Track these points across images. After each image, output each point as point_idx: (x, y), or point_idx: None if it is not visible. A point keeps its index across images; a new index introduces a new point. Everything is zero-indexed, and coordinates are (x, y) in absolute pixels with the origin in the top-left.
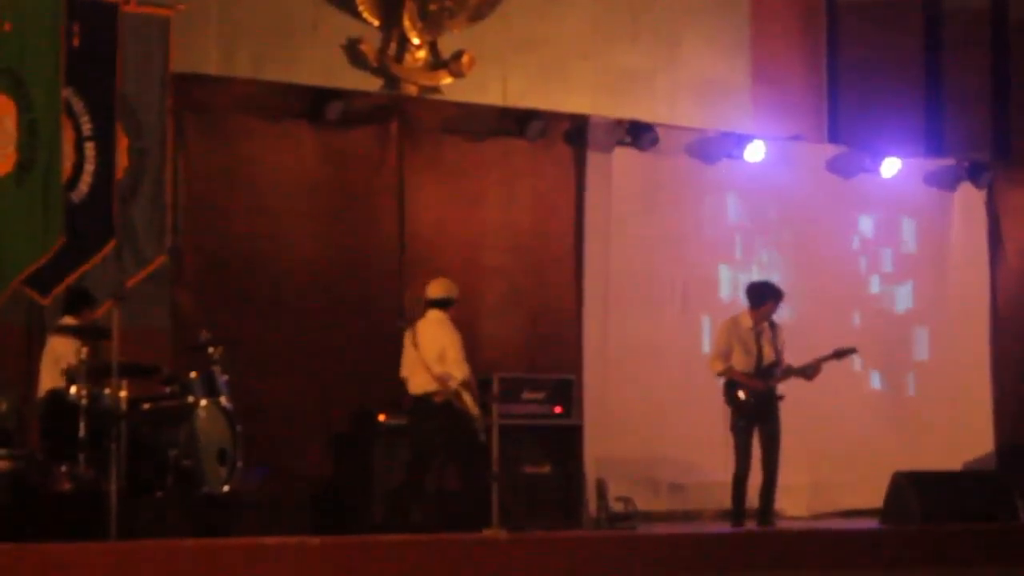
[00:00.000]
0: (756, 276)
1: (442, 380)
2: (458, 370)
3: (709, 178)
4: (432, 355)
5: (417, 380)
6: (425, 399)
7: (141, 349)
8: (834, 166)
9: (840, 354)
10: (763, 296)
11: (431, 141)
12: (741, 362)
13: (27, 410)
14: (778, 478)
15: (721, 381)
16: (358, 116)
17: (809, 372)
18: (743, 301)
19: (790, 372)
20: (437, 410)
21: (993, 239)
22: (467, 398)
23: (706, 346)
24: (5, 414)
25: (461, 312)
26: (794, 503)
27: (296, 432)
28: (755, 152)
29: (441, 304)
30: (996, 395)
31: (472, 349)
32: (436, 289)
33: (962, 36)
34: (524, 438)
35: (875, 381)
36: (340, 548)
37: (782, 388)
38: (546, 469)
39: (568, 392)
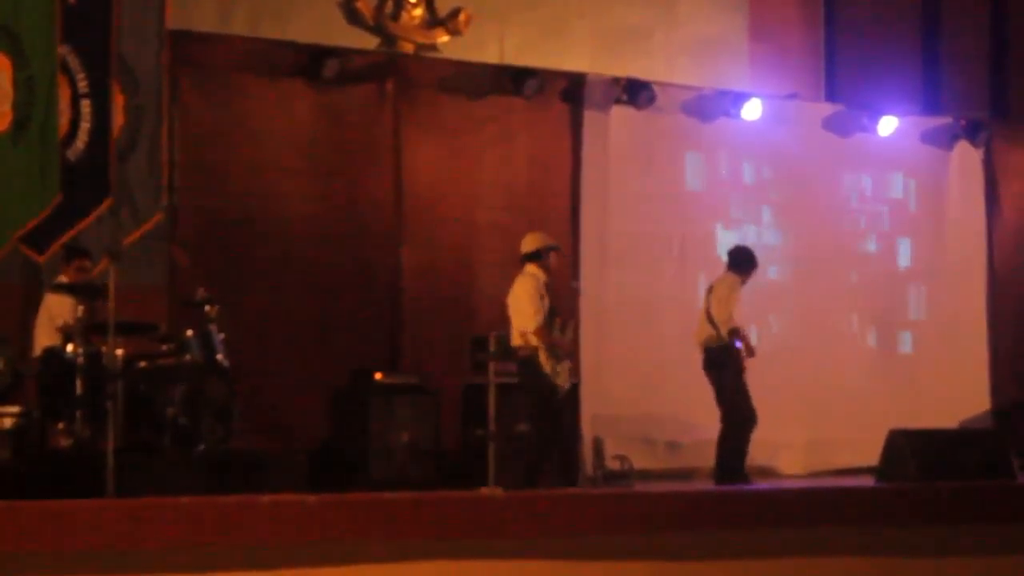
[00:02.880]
0: (753, 235)
1: (523, 334)
2: (529, 322)
3: (706, 136)
4: (513, 308)
5: (512, 334)
6: (513, 353)
7: (137, 307)
8: (831, 124)
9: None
10: (752, 262)
11: (428, 99)
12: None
13: (24, 368)
14: None
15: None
16: (355, 74)
17: None
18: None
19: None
20: (520, 365)
21: (990, 197)
22: (542, 355)
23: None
24: (1, 372)
25: (457, 270)
26: (790, 461)
27: (293, 390)
28: (752, 110)
29: (530, 258)
30: (992, 353)
31: (469, 307)
32: (525, 243)
33: None
34: (521, 397)
35: (872, 339)
36: (337, 506)
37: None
38: None
39: None
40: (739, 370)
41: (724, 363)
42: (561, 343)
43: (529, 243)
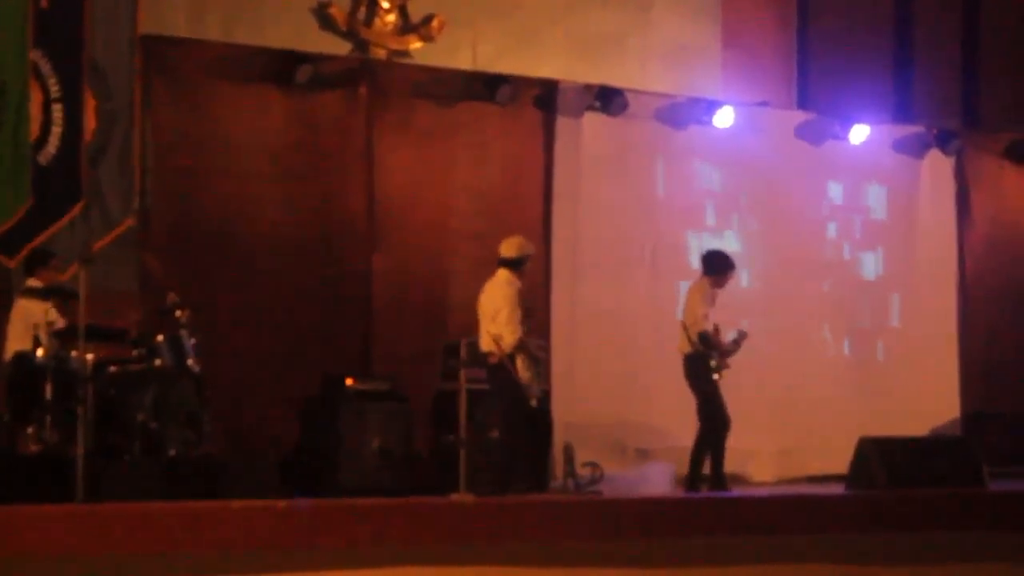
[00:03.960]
0: (725, 242)
1: (496, 340)
2: (509, 332)
3: (678, 143)
4: (488, 314)
5: (482, 339)
6: (484, 359)
7: (109, 312)
8: (803, 132)
9: None
10: (725, 265)
11: (401, 105)
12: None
13: None
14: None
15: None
16: (327, 80)
17: None
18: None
19: None
20: (491, 371)
21: (961, 206)
22: (519, 362)
23: (674, 311)
24: None
25: (429, 276)
26: (761, 468)
27: (264, 396)
28: (724, 118)
29: (507, 263)
30: (963, 361)
31: (441, 313)
32: (505, 248)
33: (932, 3)
34: (492, 403)
35: (843, 347)
36: (307, 511)
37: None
38: None
39: None
40: (710, 374)
41: (698, 371)
42: (535, 349)
43: (511, 248)
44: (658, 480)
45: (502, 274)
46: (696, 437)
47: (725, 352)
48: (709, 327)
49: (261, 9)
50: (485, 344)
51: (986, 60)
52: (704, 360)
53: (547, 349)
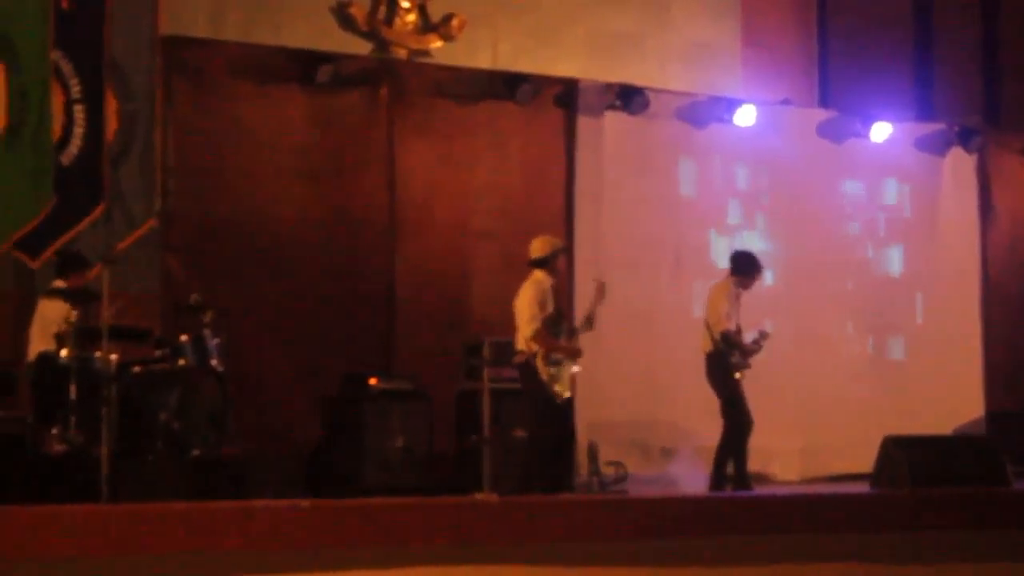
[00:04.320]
0: (747, 241)
1: (525, 340)
2: (526, 327)
3: (699, 142)
4: (516, 314)
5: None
6: (513, 358)
7: (132, 312)
8: (824, 130)
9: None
10: (753, 266)
11: (421, 104)
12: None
13: (17, 373)
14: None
15: (711, 343)
16: (348, 79)
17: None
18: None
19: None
20: (519, 370)
21: (983, 204)
22: (539, 361)
23: (697, 310)
24: None
25: (450, 276)
26: (785, 467)
27: (287, 395)
28: (745, 116)
29: (535, 264)
30: (986, 359)
31: (462, 312)
32: (532, 248)
33: (953, 1)
34: (515, 402)
35: (866, 345)
36: (330, 511)
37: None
38: None
39: None
40: (731, 376)
41: (720, 371)
42: (567, 349)
43: (537, 249)
44: (684, 479)
45: (533, 274)
46: (720, 437)
47: (747, 352)
48: (732, 327)
49: (281, 9)
50: (519, 343)
51: (1007, 57)
52: (726, 359)
53: (576, 353)
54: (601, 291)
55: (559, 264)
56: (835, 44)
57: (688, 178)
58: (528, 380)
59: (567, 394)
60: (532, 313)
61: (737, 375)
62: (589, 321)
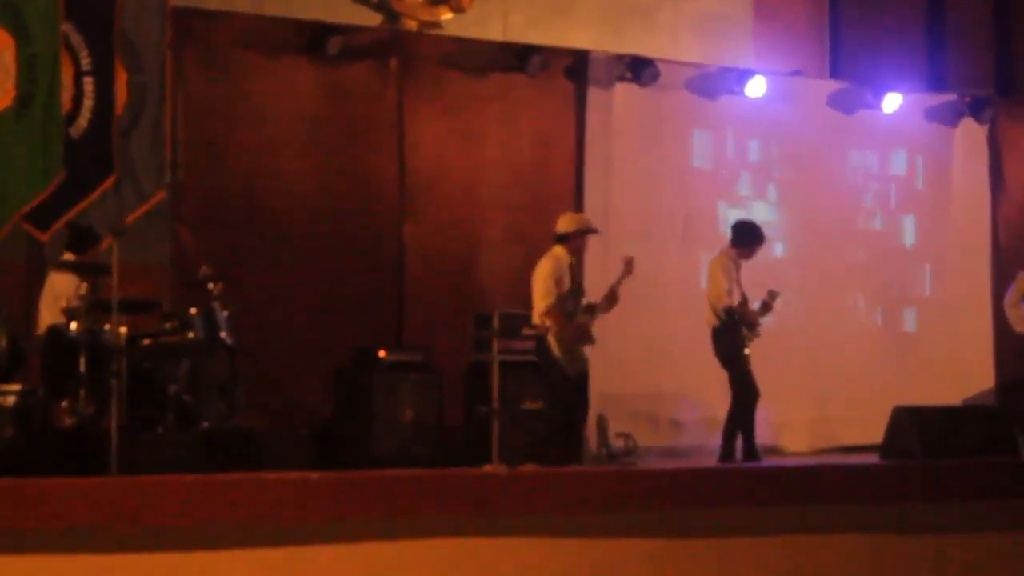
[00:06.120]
0: (757, 212)
1: (539, 314)
2: (540, 302)
3: (710, 113)
4: (533, 288)
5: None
6: (525, 330)
7: (141, 285)
8: (835, 101)
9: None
10: (754, 236)
11: (431, 76)
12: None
13: (27, 346)
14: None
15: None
16: (358, 51)
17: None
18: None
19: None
20: (535, 344)
21: (994, 174)
22: (551, 337)
23: (705, 282)
24: (2, 349)
25: (460, 248)
26: (795, 439)
27: (296, 367)
28: (756, 87)
29: (557, 238)
30: (997, 330)
31: (472, 284)
32: (558, 224)
33: None
34: (524, 374)
35: (876, 316)
36: (340, 483)
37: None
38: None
39: None
40: (738, 347)
41: (726, 344)
42: (579, 326)
43: (563, 224)
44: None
45: (553, 249)
46: (729, 409)
47: (754, 323)
48: (733, 302)
49: None
50: (535, 317)
51: (1019, 27)
52: (730, 333)
53: (586, 335)
54: (629, 266)
55: (583, 242)
56: (846, 15)
57: (698, 150)
58: (542, 354)
59: (575, 372)
60: (547, 288)
61: (746, 350)
62: (611, 297)
